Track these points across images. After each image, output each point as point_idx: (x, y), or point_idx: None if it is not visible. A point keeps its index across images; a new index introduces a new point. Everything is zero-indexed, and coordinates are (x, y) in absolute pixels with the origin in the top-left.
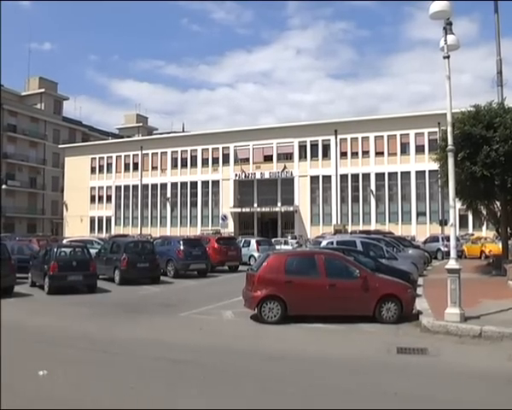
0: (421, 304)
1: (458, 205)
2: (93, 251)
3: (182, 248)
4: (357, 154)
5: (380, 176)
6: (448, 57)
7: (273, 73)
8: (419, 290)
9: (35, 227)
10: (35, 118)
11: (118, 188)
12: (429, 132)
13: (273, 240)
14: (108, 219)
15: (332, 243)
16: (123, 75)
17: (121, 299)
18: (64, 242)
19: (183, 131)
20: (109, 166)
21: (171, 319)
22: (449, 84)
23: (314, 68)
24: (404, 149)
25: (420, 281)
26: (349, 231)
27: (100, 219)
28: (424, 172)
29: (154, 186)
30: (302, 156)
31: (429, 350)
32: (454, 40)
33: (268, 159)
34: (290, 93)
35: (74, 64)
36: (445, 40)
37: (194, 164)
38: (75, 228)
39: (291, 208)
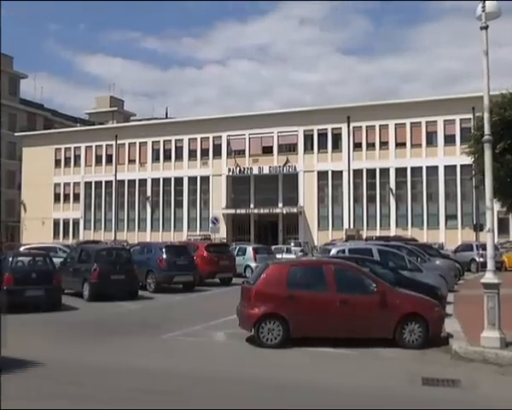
0: (451, 325)
1: (497, 207)
2: (57, 261)
3: (164, 256)
4: (373, 145)
5: (401, 171)
6: (486, 28)
7: (272, 47)
8: (449, 309)
9: None
10: None
11: (88, 185)
12: (461, 119)
13: (273, 247)
14: (76, 222)
15: (343, 251)
16: (91, 49)
17: (91, 318)
18: (21, 249)
19: (167, 117)
20: (77, 158)
21: (152, 342)
22: (486, 61)
23: (321, 42)
24: (431, 139)
25: (450, 297)
26: (364, 237)
27: (66, 222)
28: (455, 166)
29: (132, 183)
30: (308, 148)
31: (462, 382)
32: (494, 6)
33: (267, 151)
34: (292, 72)
35: (31, 35)
36: (483, 7)
37: (179, 157)
38: (35, 233)
39: (294, 210)
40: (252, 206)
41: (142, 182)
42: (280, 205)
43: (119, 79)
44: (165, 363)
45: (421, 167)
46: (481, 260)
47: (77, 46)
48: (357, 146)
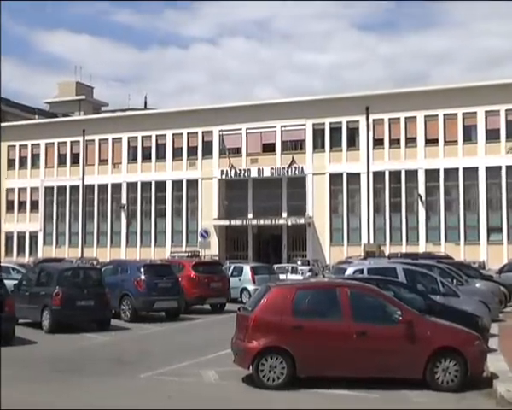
0: (495, 363)
1: None
2: (10, 283)
3: (143, 277)
4: (398, 141)
5: (432, 174)
6: None
7: (273, 22)
8: (492, 343)
9: None
10: None
11: (48, 190)
12: (507, 110)
13: (275, 266)
14: (34, 236)
15: (361, 271)
16: (52, 24)
17: (53, 353)
18: None
19: (145, 107)
20: (35, 158)
21: (127, 383)
22: None
23: (333, 16)
24: (469, 134)
25: (494, 329)
26: (386, 253)
27: (21, 236)
28: (499, 168)
29: (103, 188)
30: (318, 145)
31: None
32: None
33: (268, 149)
34: (298, 52)
35: None
36: None
37: (161, 156)
38: None
39: (302, 221)
40: (250, 216)
41: (116, 187)
42: (284, 215)
43: (86, 61)
44: (143, 408)
45: (456, 169)
46: None
47: (34, 21)
48: (378, 143)
